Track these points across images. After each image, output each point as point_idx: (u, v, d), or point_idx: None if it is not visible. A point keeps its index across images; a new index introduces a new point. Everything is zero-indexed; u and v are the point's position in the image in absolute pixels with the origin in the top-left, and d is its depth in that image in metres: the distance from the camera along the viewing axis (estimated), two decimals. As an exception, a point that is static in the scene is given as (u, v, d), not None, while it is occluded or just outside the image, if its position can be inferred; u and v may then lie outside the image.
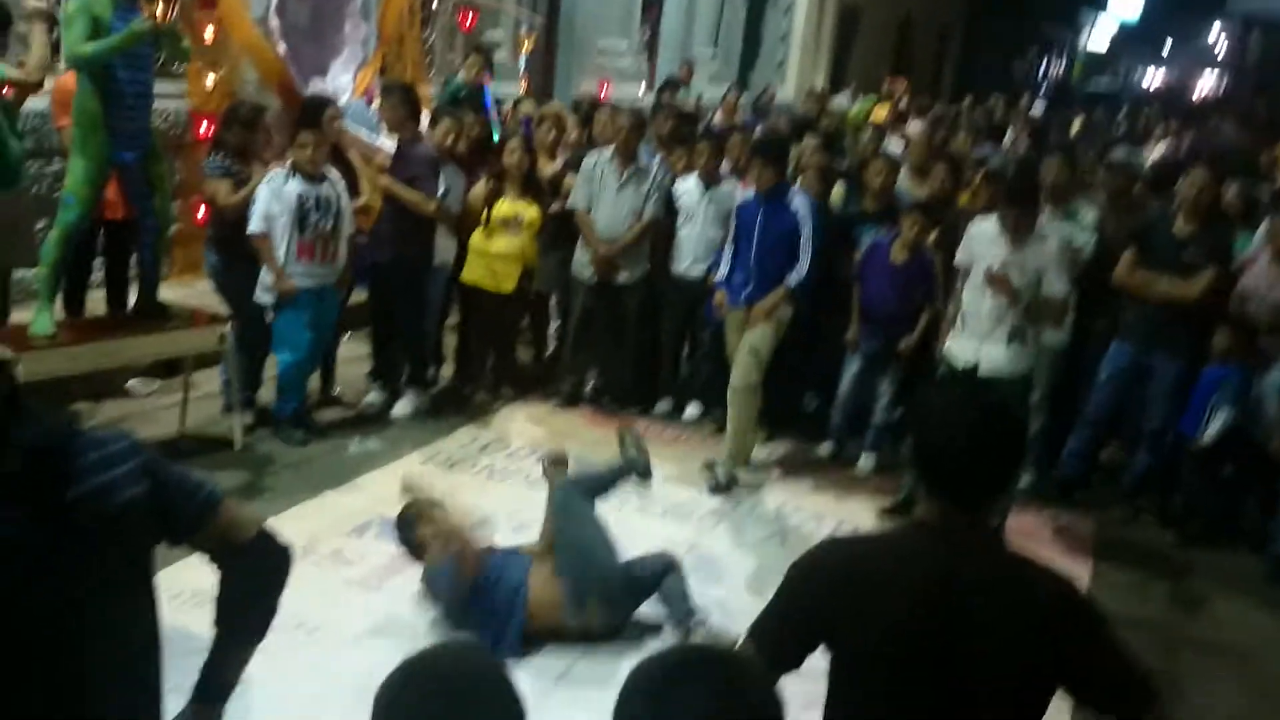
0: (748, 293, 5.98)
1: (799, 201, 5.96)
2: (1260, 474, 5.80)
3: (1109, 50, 51.69)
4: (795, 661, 2.09)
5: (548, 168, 7.09)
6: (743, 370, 5.90)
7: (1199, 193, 5.79)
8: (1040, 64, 43.50)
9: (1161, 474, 6.03)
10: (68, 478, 1.75)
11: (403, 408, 6.43)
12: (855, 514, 5.71)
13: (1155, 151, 13.14)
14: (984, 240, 5.26)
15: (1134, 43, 52.14)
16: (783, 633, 2.10)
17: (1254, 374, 5.61)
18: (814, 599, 2.08)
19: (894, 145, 9.57)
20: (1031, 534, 5.70)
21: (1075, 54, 48.43)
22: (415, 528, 4.27)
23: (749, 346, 5.89)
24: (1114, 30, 48.45)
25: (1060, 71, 45.85)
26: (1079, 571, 5.34)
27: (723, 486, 5.86)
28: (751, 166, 6.11)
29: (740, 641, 2.16)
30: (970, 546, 2.06)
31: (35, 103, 5.99)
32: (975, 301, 5.26)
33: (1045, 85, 35.08)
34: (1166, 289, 5.73)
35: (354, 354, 6.97)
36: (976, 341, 5.25)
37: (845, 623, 2.03)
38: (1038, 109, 19.32)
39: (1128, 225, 6.13)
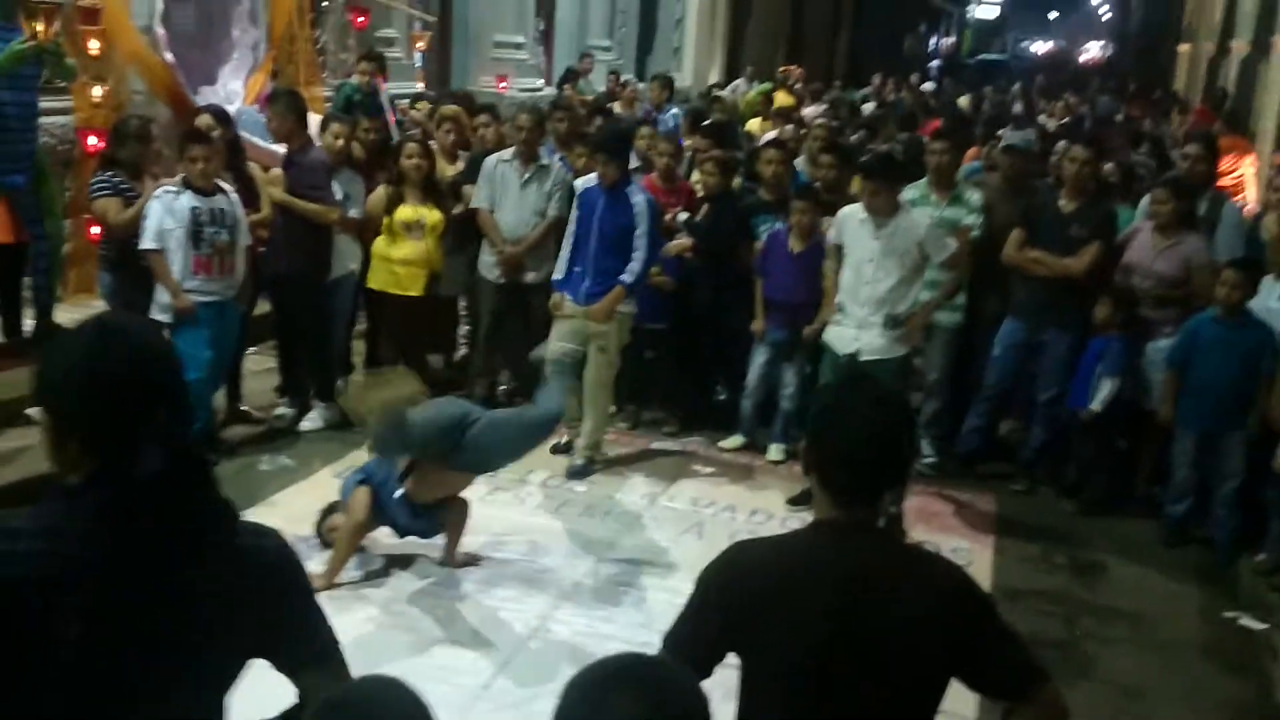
0: (586, 288, 5.97)
1: (639, 197, 5.98)
2: (1149, 442, 6.07)
3: (997, 19, 52.83)
4: (708, 668, 2.16)
5: (448, 170, 7.07)
6: (597, 369, 6.03)
7: (1079, 168, 6.01)
8: (930, 38, 44.26)
9: (1057, 446, 6.26)
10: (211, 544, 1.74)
11: (312, 421, 6.39)
12: (768, 503, 5.84)
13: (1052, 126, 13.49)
14: (852, 223, 5.42)
15: (1021, 11, 53.37)
16: (696, 640, 2.16)
17: (1137, 344, 5.86)
18: (723, 606, 2.15)
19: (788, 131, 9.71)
20: (935, 513, 5.89)
21: (964, 25, 49.40)
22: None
23: (597, 346, 5.99)
24: (1002, -1, 49.52)
25: (950, 45, 46.70)
26: (982, 547, 5.55)
27: (582, 471, 6.02)
28: (596, 162, 6.06)
29: (658, 650, 2.22)
30: (870, 544, 2.15)
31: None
32: (851, 288, 5.42)
33: (931, 61, 35.70)
34: (1053, 265, 5.94)
35: (261, 368, 6.89)
36: (855, 328, 5.40)
37: (755, 627, 2.10)
38: (927, 86, 19.71)
39: (1017, 206, 6.34)
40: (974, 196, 6.37)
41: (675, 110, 10.98)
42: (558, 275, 6.14)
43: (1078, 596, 5.19)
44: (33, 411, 5.83)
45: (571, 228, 6.09)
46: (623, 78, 14.37)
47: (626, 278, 5.93)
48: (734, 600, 2.13)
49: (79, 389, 1.71)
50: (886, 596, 2.07)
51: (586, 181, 6.12)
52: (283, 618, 1.82)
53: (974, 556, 5.39)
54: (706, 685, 1.60)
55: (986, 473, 6.39)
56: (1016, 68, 32.35)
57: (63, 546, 1.65)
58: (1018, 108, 15.31)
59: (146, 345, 1.79)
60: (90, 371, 1.70)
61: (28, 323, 6.11)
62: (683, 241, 6.58)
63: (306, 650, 1.85)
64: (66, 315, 6.40)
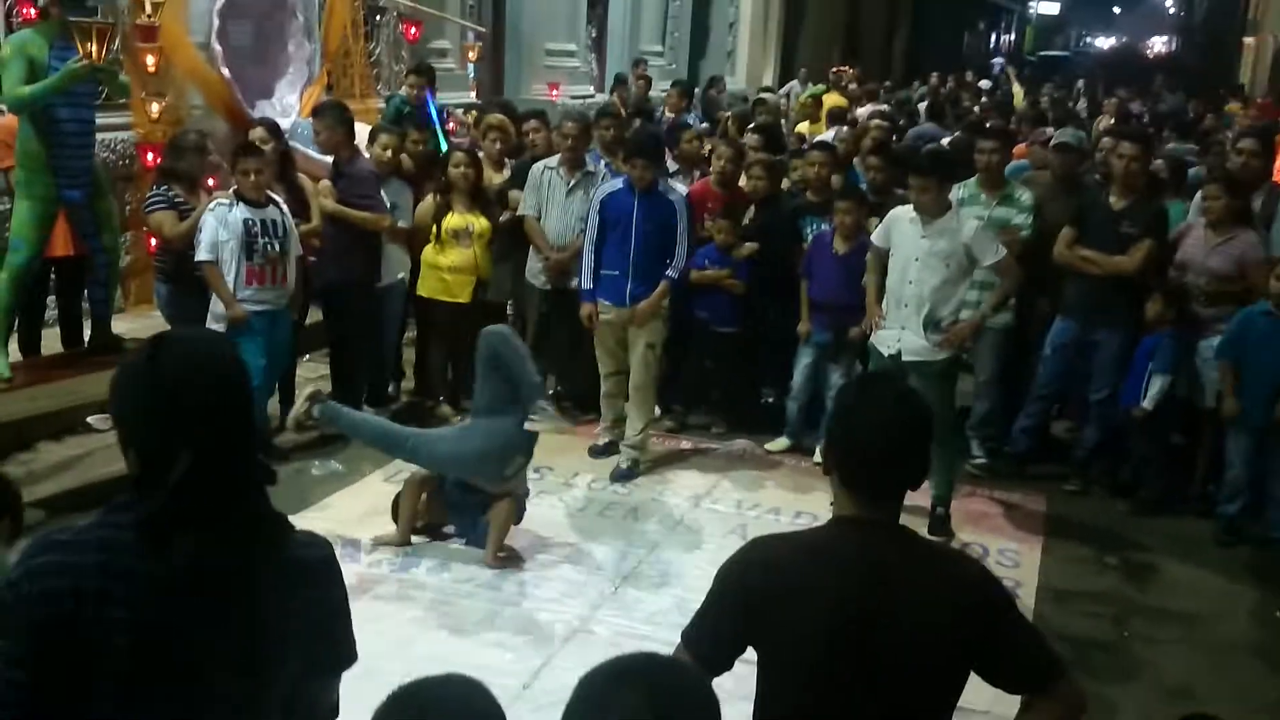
0: (631, 289, 5.99)
1: (674, 194, 6.04)
2: (1203, 440, 5.96)
3: (1059, 15, 52.07)
4: (728, 663, 2.18)
5: (495, 178, 7.16)
6: (643, 367, 6.08)
7: (1128, 164, 5.93)
8: (991, 35, 43.78)
9: (1110, 445, 6.17)
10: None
11: (363, 426, 6.49)
12: (814, 505, 5.81)
13: (1105, 123, 13.31)
14: (902, 223, 5.38)
15: (1084, 6, 52.55)
16: (715, 635, 2.18)
17: (1189, 341, 5.76)
18: (742, 601, 2.16)
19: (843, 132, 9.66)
20: (984, 515, 5.84)
21: (1026, 22, 48.76)
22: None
23: (644, 343, 6.03)
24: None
25: (1011, 42, 46.14)
26: (1031, 548, 5.49)
27: (627, 474, 6.06)
28: (632, 166, 5.99)
29: (676, 647, 2.24)
30: (889, 540, 2.15)
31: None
32: (896, 289, 5.38)
33: (994, 59, 35.30)
34: (1104, 263, 5.87)
35: (313, 375, 7.02)
36: (898, 329, 5.37)
37: (773, 622, 2.12)
38: (984, 84, 19.52)
39: (1068, 204, 6.27)
40: (1024, 195, 6.30)
41: (691, 118, 10.91)
42: (586, 285, 6.12)
43: (1128, 597, 5.11)
44: (93, 419, 6.02)
45: (594, 234, 6.06)
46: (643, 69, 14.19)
47: (672, 273, 6.00)
48: (752, 595, 2.15)
49: (134, 401, 1.76)
50: (904, 592, 2.08)
51: (610, 188, 6.10)
52: (318, 627, 1.82)
53: (1021, 558, 5.35)
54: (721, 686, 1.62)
55: (1039, 474, 6.32)
56: (1079, 64, 31.86)
57: (112, 558, 1.69)
58: (1081, 105, 15.08)
59: (208, 362, 1.80)
60: (148, 385, 1.75)
61: (87, 333, 6.29)
62: (751, 245, 6.58)
63: (326, 660, 1.87)
64: (125, 325, 6.59)
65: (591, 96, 13.84)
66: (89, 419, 6.11)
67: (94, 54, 5.16)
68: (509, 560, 5.02)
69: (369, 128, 7.19)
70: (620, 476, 6.07)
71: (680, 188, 6.83)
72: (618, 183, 6.10)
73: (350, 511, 5.43)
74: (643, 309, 5.99)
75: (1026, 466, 6.36)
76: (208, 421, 1.72)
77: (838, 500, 2.22)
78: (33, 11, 6.33)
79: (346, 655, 1.89)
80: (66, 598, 1.66)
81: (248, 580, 1.74)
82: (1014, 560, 5.32)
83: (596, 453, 6.31)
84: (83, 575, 1.67)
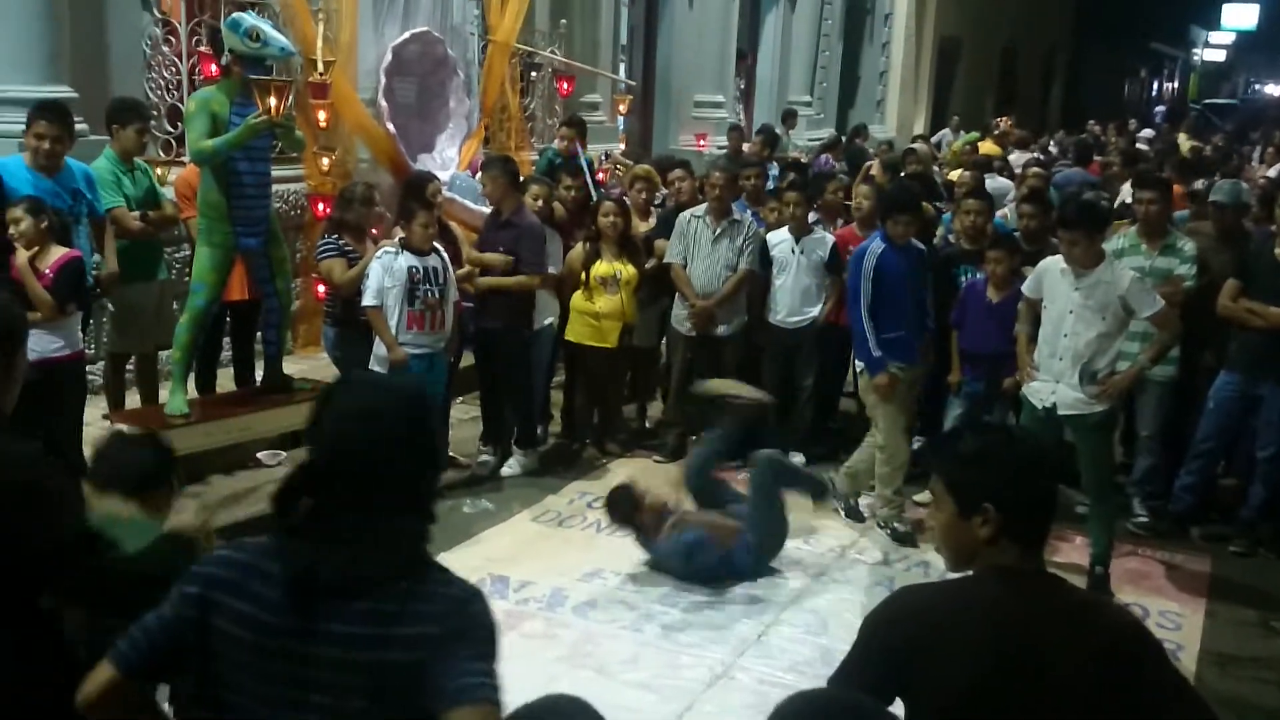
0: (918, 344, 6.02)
1: (920, 246, 6.10)
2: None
3: (1226, 61, 50.18)
4: None
5: (641, 226, 7.31)
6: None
7: None
8: (1153, 84, 42.46)
9: (1278, 505, 5.88)
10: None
11: (512, 467, 6.66)
12: (961, 558, 5.70)
13: (1273, 171, 12.78)
14: (1053, 274, 5.27)
15: (1251, 52, 50.52)
16: (861, 685, 2.16)
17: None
18: (891, 649, 2.15)
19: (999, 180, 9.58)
20: (1144, 575, 5.63)
21: (1190, 70, 47.15)
22: (634, 509, 5.44)
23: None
24: (1231, 40, 47.00)
25: (1175, 89, 44.64)
26: (1193, 610, 5.26)
27: (903, 537, 5.94)
28: (894, 222, 5.82)
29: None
30: (1043, 588, 2.14)
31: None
32: (1050, 341, 5.26)
33: (1157, 107, 34.20)
34: (1270, 316, 5.64)
35: (465, 417, 7.24)
36: (1053, 381, 5.24)
37: (922, 672, 2.10)
38: (1146, 133, 18.95)
39: (1232, 255, 6.05)
40: (1187, 246, 6.09)
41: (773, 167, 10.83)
42: (875, 353, 5.80)
43: (1298, 665, 4.85)
44: (263, 455, 6.34)
45: (869, 299, 5.78)
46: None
47: (930, 323, 6.12)
48: (898, 644, 2.14)
49: (313, 439, 1.93)
50: (1056, 641, 2.05)
51: (874, 249, 5.83)
52: (439, 664, 1.80)
53: (1183, 621, 5.13)
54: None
55: (1203, 534, 6.07)
56: (1246, 112, 30.58)
57: (257, 559, 1.87)
58: (1256, 155, 14.44)
59: (373, 409, 1.91)
60: (315, 416, 1.92)
61: (257, 373, 6.63)
62: None
63: (464, 695, 1.79)
64: (294, 367, 6.93)
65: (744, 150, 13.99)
66: (259, 454, 6.45)
67: (273, 110, 5.49)
68: None
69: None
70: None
71: (828, 236, 6.88)
72: (877, 243, 5.86)
73: (500, 548, 5.57)
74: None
75: (1190, 526, 6.11)
76: (346, 458, 1.87)
77: (984, 550, 2.18)
78: (214, 69, 6.80)
79: (490, 689, 1.80)
80: (212, 582, 1.87)
81: (353, 600, 1.81)
82: (1175, 623, 5.10)
83: (853, 515, 6.23)
84: (229, 566, 1.89)
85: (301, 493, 1.89)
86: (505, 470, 6.65)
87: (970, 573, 2.23)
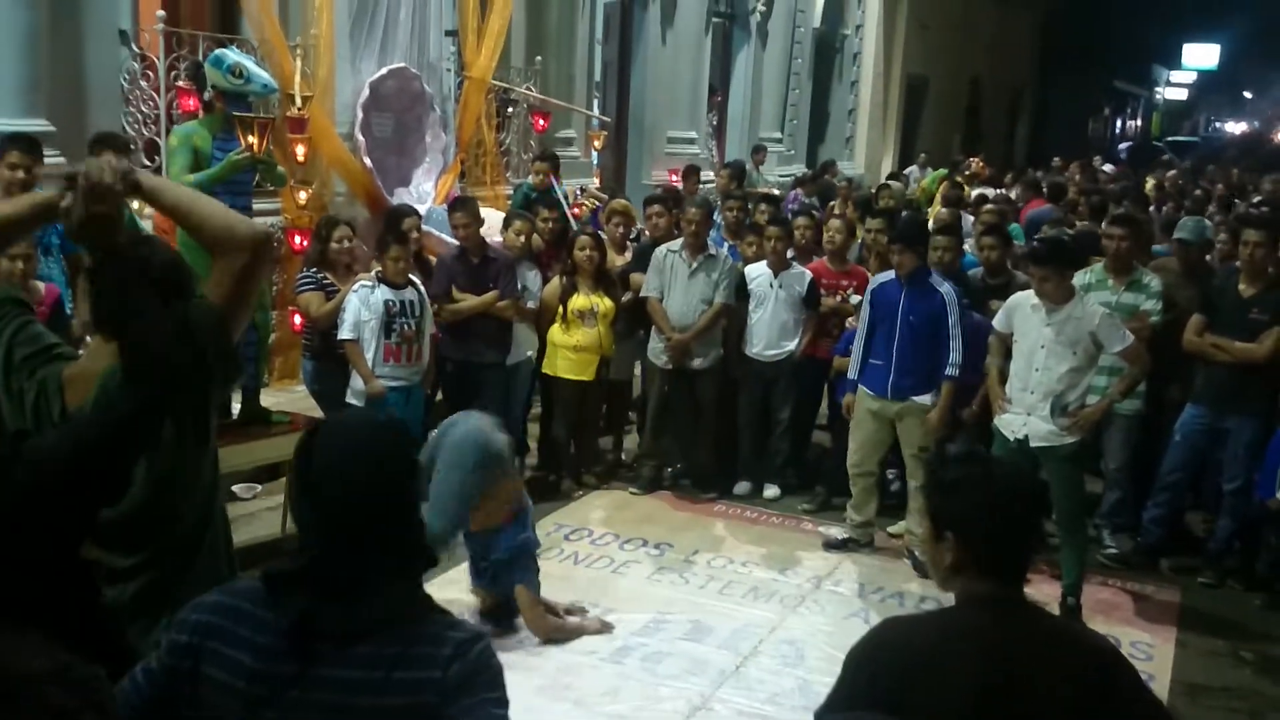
0: (894, 381, 5.92)
1: (945, 286, 5.92)
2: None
3: (1188, 100, 51.16)
4: None
5: (618, 260, 7.38)
6: (918, 468, 5.93)
7: (1252, 251, 5.84)
8: (1117, 121, 43.19)
9: (1245, 537, 5.99)
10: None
11: (490, 499, 6.66)
12: (937, 590, 5.74)
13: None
14: (1023, 309, 5.38)
15: (1212, 92, 51.54)
16: (847, 717, 2.20)
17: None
18: (875, 682, 2.17)
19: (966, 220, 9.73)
20: (1115, 606, 5.72)
21: (1153, 108, 48.01)
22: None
23: (917, 447, 5.89)
24: (1192, 79, 47.96)
25: (1139, 127, 45.42)
26: (1163, 641, 5.34)
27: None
28: (894, 253, 5.99)
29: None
30: (1023, 617, 2.19)
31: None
32: (1022, 375, 5.36)
33: (1121, 144, 34.81)
34: (1234, 350, 5.77)
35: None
36: (1024, 414, 5.34)
37: (907, 703, 2.12)
38: (1108, 168, 19.29)
39: (1196, 291, 6.20)
40: (1153, 281, 6.22)
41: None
42: (852, 375, 6.10)
43: (1263, 692, 4.94)
44: (238, 488, 6.31)
45: (865, 325, 6.04)
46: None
47: (951, 371, 5.83)
48: (883, 675, 2.17)
49: (293, 475, 1.95)
50: (1037, 668, 2.10)
51: (882, 278, 6.08)
52: (477, 713, 1.80)
53: (1154, 651, 5.21)
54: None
55: (1172, 565, 6.16)
56: (1206, 149, 31.18)
57: (249, 605, 1.84)
58: (1219, 189, 14.69)
59: (357, 453, 1.87)
60: (299, 464, 1.90)
61: (235, 405, 6.61)
62: None
63: None
64: (270, 399, 6.91)
65: (710, 182, 14.13)
66: (234, 488, 6.42)
67: (255, 145, 5.53)
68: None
69: (501, 214, 7.50)
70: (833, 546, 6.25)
71: (806, 272, 6.95)
72: (888, 273, 6.07)
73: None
74: (934, 418, 5.84)
75: (1159, 557, 6.20)
76: (341, 508, 1.82)
77: (963, 582, 2.22)
78: (192, 104, 6.82)
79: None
80: (201, 630, 1.83)
81: (349, 646, 1.79)
82: (1146, 653, 5.18)
83: (831, 546, 6.27)
84: (221, 613, 1.84)
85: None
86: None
87: (951, 604, 2.28)
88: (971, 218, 9.75)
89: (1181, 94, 49.33)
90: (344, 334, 5.93)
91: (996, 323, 5.62)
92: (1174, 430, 6.10)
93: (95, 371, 2.53)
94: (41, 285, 5.01)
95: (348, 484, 1.83)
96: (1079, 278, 5.88)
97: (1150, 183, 15.56)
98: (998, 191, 13.00)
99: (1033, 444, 5.29)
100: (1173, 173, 17.70)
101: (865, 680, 2.19)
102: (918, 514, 5.92)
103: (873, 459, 6.18)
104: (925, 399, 5.90)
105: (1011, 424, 5.41)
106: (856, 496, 6.27)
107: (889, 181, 13.66)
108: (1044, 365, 5.31)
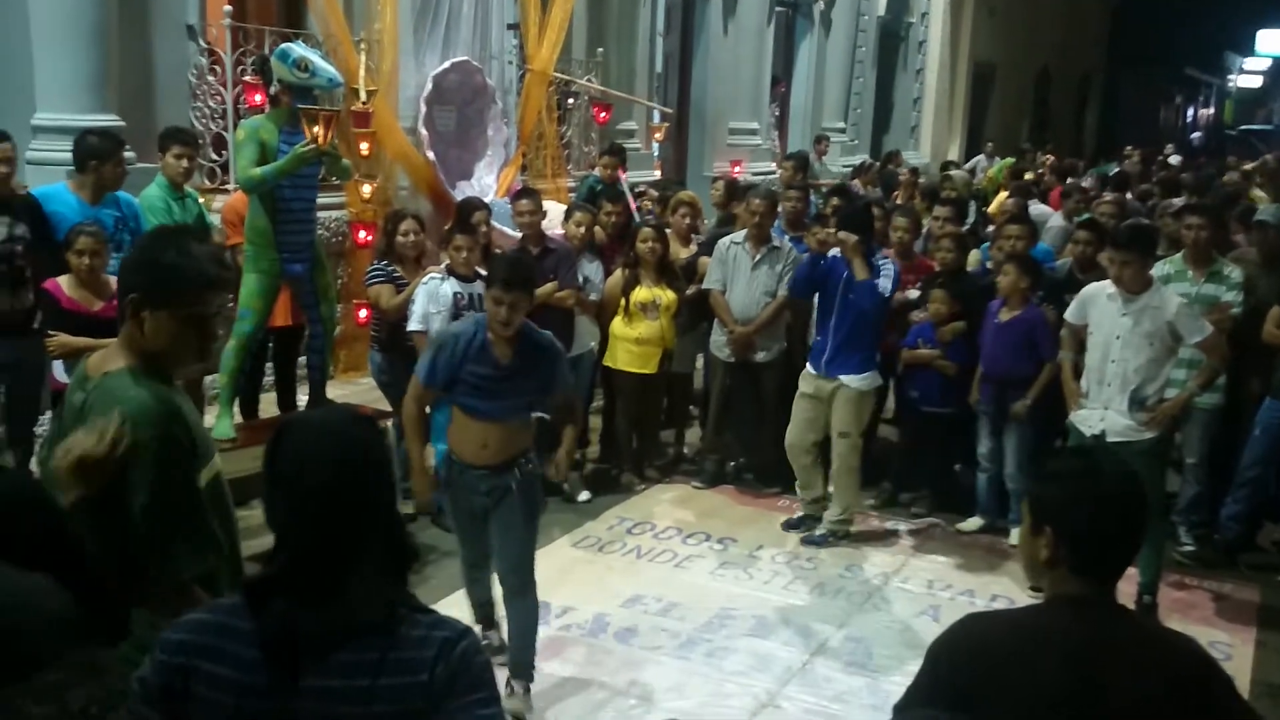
0: (826, 358, 5.98)
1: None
2: None
3: (1261, 87, 49.86)
4: None
5: (682, 252, 7.32)
6: (843, 458, 6.07)
7: None
8: (1188, 109, 42.25)
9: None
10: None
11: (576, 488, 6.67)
12: (1008, 588, 5.65)
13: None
14: (1100, 299, 5.23)
15: (1289, 78, 50.14)
16: (926, 715, 2.14)
17: None
18: (956, 678, 2.13)
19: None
20: (1192, 605, 5.57)
21: (1225, 96, 46.90)
22: None
23: (838, 433, 6.00)
24: (1266, 66, 46.69)
25: (1210, 116, 44.38)
26: (1242, 641, 5.19)
27: (819, 541, 6.13)
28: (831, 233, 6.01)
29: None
30: (1109, 618, 2.12)
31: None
32: (1098, 368, 5.22)
33: (1193, 133, 34.03)
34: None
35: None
36: (1100, 409, 5.20)
37: (986, 700, 2.08)
38: (1174, 159, 18.88)
39: (1277, 279, 6.00)
40: (1233, 272, 6.04)
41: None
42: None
43: (1352, 697, 4.76)
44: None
45: (820, 301, 6.14)
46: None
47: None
48: (964, 672, 2.12)
49: (264, 477, 1.87)
50: (1123, 670, 2.03)
51: (836, 252, 6.04)
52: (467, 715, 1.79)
53: (1233, 651, 5.05)
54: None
55: (1250, 563, 5.99)
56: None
57: (232, 620, 1.81)
58: None
59: (326, 449, 1.83)
60: (269, 465, 1.85)
61: (301, 398, 6.68)
62: (957, 324, 6.42)
63: None
64: (336, 391, 6.98)
65: (773, 174, 14.02)
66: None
67: (320, 139, 5.55)
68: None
69: (563, 206, 7.48)
70: (811, 542, 6.12)
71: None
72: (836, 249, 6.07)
73: (541, 574, 5.49)
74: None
75: (1237, 555, 6.02)
76: (317, 503, 1.78)
77: (1054, 580, 2.17)
78: (259, 98, 6.89)
79: None
80: (187, 649, 1.80)
81: (332, 653, 1.76)
82: (1225, 653, 5.02)
83: (789, 526, 6.30)
84: (203, 630, 1.82)
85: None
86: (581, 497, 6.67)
87: (1039, 601, 2.23)
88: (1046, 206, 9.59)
89: (1256, 81, 48.05)
90: (413, 325, 5.94)
91: (1070, 314, 5.47)
92: (1254, 424, 5.91)
93: None
94: (113, 280, 5.08)
95: (318, 478, 1.79)
96: (1158, 269, 5.72)
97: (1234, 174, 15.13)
98: (1070, 181, 12.74)
99: (1109, 439, 5.14)
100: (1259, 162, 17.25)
101: (946, 677, 2.15)
102: (842, 493, 6.11)
103: (807, 438, 6.16)
104: (855, 380, 5.93)
105: (1088, 419, 5.27)
106: (800, 476, 6.29)
107: (950, 171, 13.43)
108: (1120, 356, 5.16)
